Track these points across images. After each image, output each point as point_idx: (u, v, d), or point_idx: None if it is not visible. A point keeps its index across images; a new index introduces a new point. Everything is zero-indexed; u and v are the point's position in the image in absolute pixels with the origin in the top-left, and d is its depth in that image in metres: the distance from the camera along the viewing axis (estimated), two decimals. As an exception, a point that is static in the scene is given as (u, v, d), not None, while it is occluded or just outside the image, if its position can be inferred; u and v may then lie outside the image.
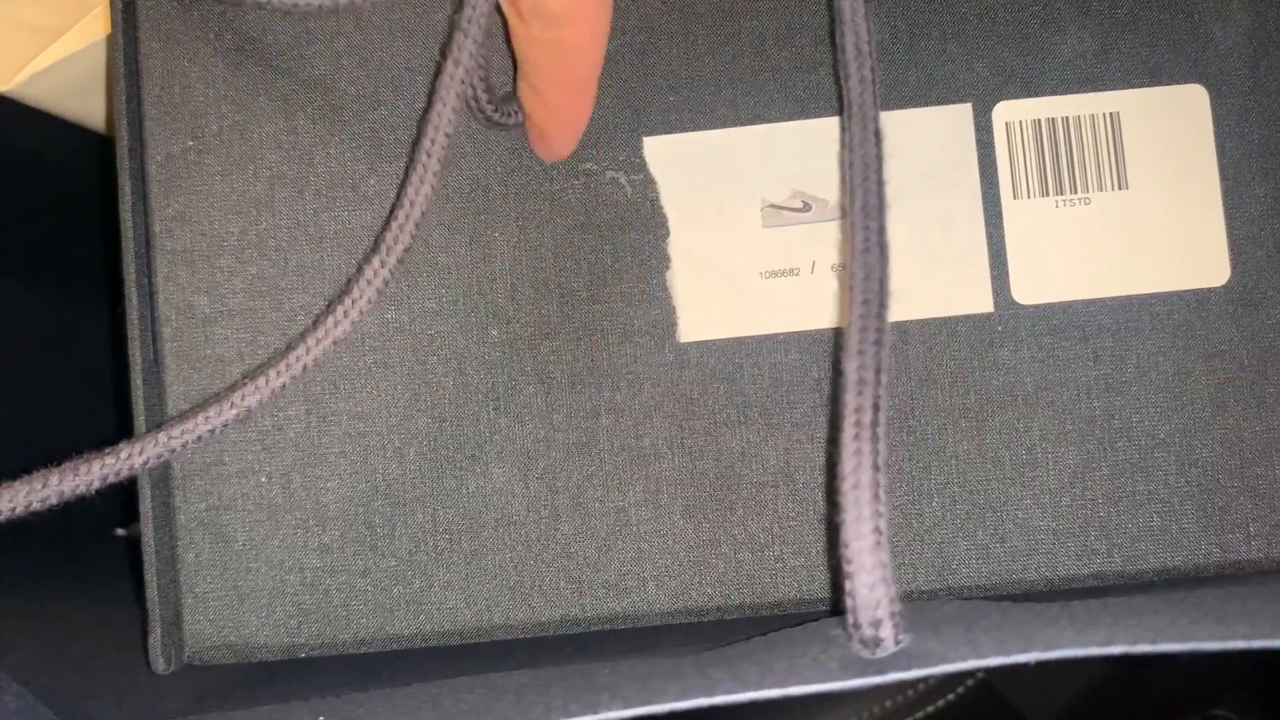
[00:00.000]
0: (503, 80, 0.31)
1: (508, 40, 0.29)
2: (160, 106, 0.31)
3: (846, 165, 0.26)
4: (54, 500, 0.26)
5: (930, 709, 0.45)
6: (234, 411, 0.27)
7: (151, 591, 0.30)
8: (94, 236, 0.42)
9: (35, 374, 0.41)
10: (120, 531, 0.45)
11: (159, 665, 0.30)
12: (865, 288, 0.24)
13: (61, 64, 0.35)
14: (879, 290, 0.24)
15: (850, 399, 0.23)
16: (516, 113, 0.30)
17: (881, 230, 0.25)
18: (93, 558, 0.42)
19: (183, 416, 0.28)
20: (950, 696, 0.45)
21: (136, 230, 0.31)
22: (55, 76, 0.35)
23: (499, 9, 0.28)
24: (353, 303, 0.28)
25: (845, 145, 0.26)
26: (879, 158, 0.26)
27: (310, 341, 0.28)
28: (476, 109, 0.30)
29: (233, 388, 0.28)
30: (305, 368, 0.28)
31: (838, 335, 0.30)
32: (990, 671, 0.46)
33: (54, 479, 0.26)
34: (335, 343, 0.28)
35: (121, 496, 0.36)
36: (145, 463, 0.27)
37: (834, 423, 0.28)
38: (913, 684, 0.44)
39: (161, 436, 0.27)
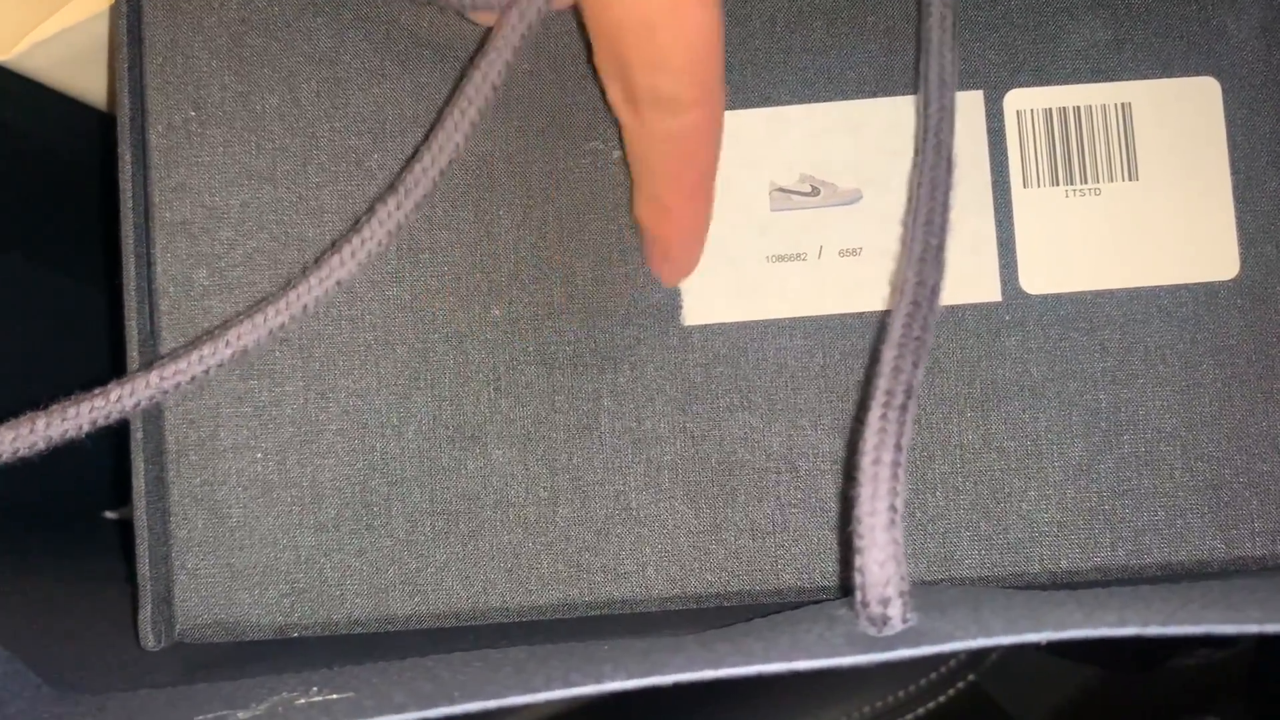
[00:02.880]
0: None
1: (623, 154, 0.29)
2: (162, 76, 0.31)
3: (915, 184, 0.28)
4: (41, 445, 0.25)
5: (921, 711, 0.44)
6: (229, 350, 0.26)
7: (143, 567, 0.30)
8: (92, 214, 0.42)
9: (32, 351, 0.40)
10: (110, 514, 0.44)
11: (149, 642, 0.30)
12: (917, 292, 0.25)
13: (63, 34, 0.35)
14: (930, 297, 0.26)
15: (884, 383, 0.23)
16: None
17: (941, 247, 0.26)
18: (85, 538, 0.41)
19: (175, 355, 0.27)
20: (941, 699, 0.45)
21: (136, 201, 0.30)
22: (57, 47, 0.35)
23: (609, 108, 0.27)
24: (361, 243, 0.27)
25: (917, 166, 0.28)
26: (949, 183, 0.27)
27: (312, 280, 0.27)
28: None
29: (227, 324, 0.27)
30: (305, 307, 0.27)
31: (881, 322, 0.30)
32: (981, 674, 0.45)
33: (41, 422, 0.25)
34: (339, 283, 0.27)
35: (115, 473, 0.36)
36: (136, 403, 0.26)
37: (863, 402, 0.28)
38: (903, 684, 0.44)
39: (153, 376, 0.26)
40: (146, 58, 0.31)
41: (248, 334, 0.27)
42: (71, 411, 0.26)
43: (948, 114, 0.28)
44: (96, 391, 0.26)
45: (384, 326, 0.30)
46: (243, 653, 0.31)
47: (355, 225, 0.27)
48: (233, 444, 0.30)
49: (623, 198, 0.31)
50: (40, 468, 0.28)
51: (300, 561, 0.30)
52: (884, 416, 0.23)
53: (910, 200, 0.28)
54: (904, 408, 0.23)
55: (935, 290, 0.26)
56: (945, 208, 0.27)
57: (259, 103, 0.31)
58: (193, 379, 0.27)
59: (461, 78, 0.27)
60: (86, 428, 0.26)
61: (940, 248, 0.27)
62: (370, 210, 0.27)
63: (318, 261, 0.27)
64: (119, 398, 0.26)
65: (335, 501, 0.30)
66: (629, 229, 0.30)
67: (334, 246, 0.27)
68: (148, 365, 0.27)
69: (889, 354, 0.24)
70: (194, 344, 0.27)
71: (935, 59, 0.28)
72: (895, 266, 0.30)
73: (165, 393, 0.27)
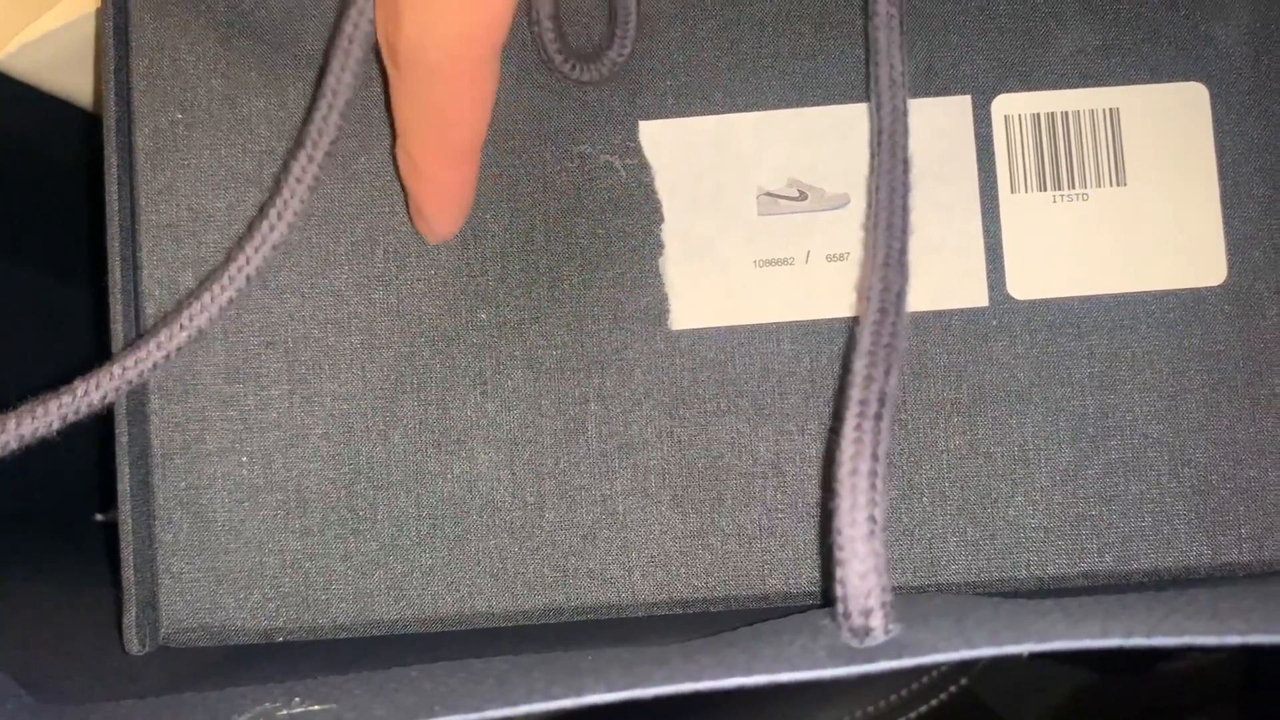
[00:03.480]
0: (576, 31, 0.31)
1: (386, 102, 0.29)
2: (149, 78, 0.31)
3: (874, 189, 0.27)
4: (14, 444, 0.25)
5: (912, 715, 0.44)
6: (184, 334, 0.27)
7: (128, 571, 0.30)
8: (78, 216, 0.42)
9: (17, 353, 0.40)
10: (99, 517, 0.44)
11: (133, 646, 0.29)
12: (883, 298, 0.25)
13: (51, 36, 0.34)
14: (896, 302, 0.25)
15: (856, 393, 0.23)
16: (592, 69, 0.30)
17: (903, 250, 0.26)
18: (68, 543, 0.41)
19: (134, 345, 0.27)
20: (933, 703, 0.45)
21: (122, 203, 0.30)
22: (44, 49, 0.35)
23: (377, 58, 0.27)
24: (285, 203, 0.27)
25: (874, 170, 0.28)
26: (906, 184, 0.27)
27: (249, 249, 0.27)
28: (544, 59, 0.29)
29: (179, 309, 0.27)
30: (249, 277, 0.27)
31: (850, 331, 0.30)
32: (973, 678, 0.45)
33: (11, 422, 0.25)
34: (274, 248, 0.27)
35: (101, 477, 0.35)
36: (103, 396, 0.26)
37: (837, 412, 0.28)
38: (894, 689, 0.44)
39: (115, 369, 0.26)
40: (133, 60, 0.31)
41: (200, 314, 0.27)
42: (40, 410, 0.26)
43: (900, 115, 0.28)
44: (62, 389, 0.26)
45: (370, 330, 0.30)
46: (227, 658, 0.31)
47: (275, 186, 0.28)
48: (218, 448, 0.30)
49: (611, 202, 0.30)
50: (24, 473, 0.27)
51: (285, 566, 0.30)
52: (859, 427, 0.23)
53: (870, 206, 0.28)
54: (878, 416, 0.23)
55: (901, 295, 0.26)
56: (905, 211, 0.27)
57: (246, 105, 0.31)
58: (155, 366, 0.27)
59: (336, 24, 0.27)
60: (57, 424, 0.26)
61: (903, 251, 0.26)
62: (285, 168, 0.27)
63: (250, 230, 0.28)
64: (85, 392, 0.26)
65: (320, 506, 0.30)
66: (615, 234, 0.30)
67: (261, 212, 0.27)
68: (110, 358, 0.27)
69: (859, 364, 0.24)
70: (151, 331, 0.27)
71: (884, 60, 0.28)
72: (859, 275, 0.30)
73: (130, 382, 0.27)
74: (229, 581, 0.30)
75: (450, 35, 0.25)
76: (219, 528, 0.30)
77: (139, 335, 0.30)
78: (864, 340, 0.25)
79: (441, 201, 0.29)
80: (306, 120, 0.27)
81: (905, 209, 0.27)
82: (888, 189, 0.27)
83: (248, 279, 0.27)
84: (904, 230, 0.26)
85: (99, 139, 0.31)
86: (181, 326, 0.27)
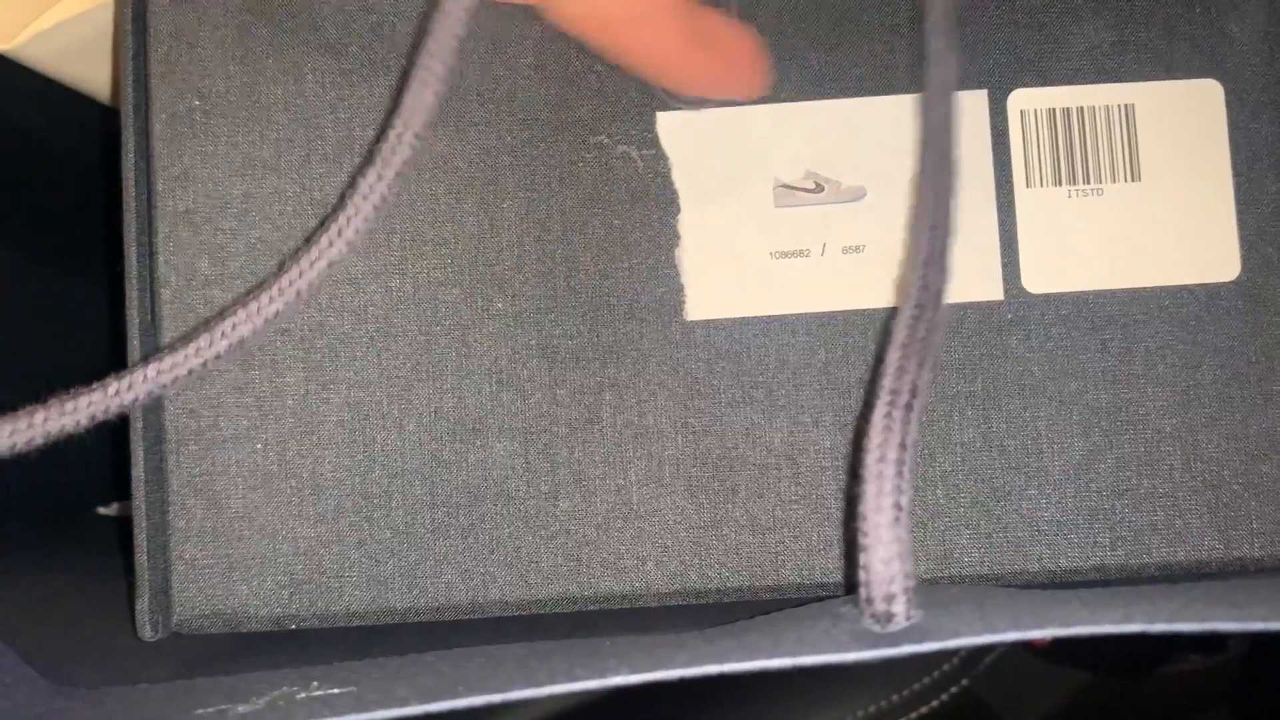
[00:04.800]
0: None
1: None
2: (167, 64, 0.31)
3: (920, 188, 0.28)
4: (40, 440, 0.25)
5: (914, 715, 0.44)
6: (225, 342, 0.26)
7: (141, 556, 0.29)
8: (92, 208, 0.42)
9: (31, 344, 0.40)
10: (104, 511, 0.44)
11: (146, 632, 0.29)
12: (922, 295, 0.26)
13: (66, 24, 0.34)
14: (934, 299, 0.26)
15: (888, 382, 0.23)
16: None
17: (945, 251, 0.26)
18: (82, 531, 0.41)
19: (172, 347, 0.26)
20: (934, 703, 0.45)
21: (139, 189, 0.30)
22: (59, 37, 0.35)
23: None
24: (348, 220, 0.26)
25: (921, 169, 0.28)
26: (952, 188, 0.27)
27: (304, 263, 0.26)
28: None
29: (222, 315, 0.27)
30: (299, 292, 0.26)
31: (887, 323, 0.30)
32: (974, 679, 0.45)
33: (39, 416, 0.25)
34: (330, 264, 0.26)
35: (114, 465, 0.35)
36: (135, 398, 0.26)
37: (868, 401, 0.28)
38: (896, 689, 0.44)
39: (150, 370, 0.26)
40: (151, 47, 0.31)
41: (243, 324, 0.26)
42: (70, 405, 0.25)
43: (950, 119, 0.28)
44: (95, 386, 0.26)
45: (386, 318, 0.30)
46: (240, 645, 0.31)
47: (340, 202, 0.27)
48: (233, 434, 0.30)
49: (628, 193, 0.31)
50: (38, 461, 0.27)
51: (299, 553, 0.30)
52: (889, 415, 0.23)
53: (915, 204, 0.28)
54: (909, 406, 0.23)
55: (940, 294, 0.26)
56: (949, 212, 0.27)
57: (264, 93, 0.31)
58: (190, 372, 0.27)
59: (420, 38, 0.27)
60: (85, 422, 0.26)
61: (945, 252, 0.27)
62: (352, 184, 0.27)
63: (308, 243, 0.27)
64: (117, 391, 0.26)
65: (335, 493, 0.30)
66: (632, 224, 0.30)
67: (322, 226, 0.27)
68: (145, 359, 0.27)
69: (893, 355, 0.24)
70: (190, 336, 0.27)
71: (937, 65, 0.28)
72: (900, 270, 0.30)
73: (164, 386, 0.26)
74: (242, 568, 0.30)
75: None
76: (233, 514, 0.30)
77: (154, 321, 0.30)
78: (900, 333, 0.25)
79: (717, 82, 0.29)
80: (380, 138, 0.27)
81: (950, 211, 0.27)
82: (933, 190, 0.27)
83: (298, 293, 0.26)
84: (947, 232, 0.27)
85: (115, 127, 0.31)
86: (223, 334, 0.26)
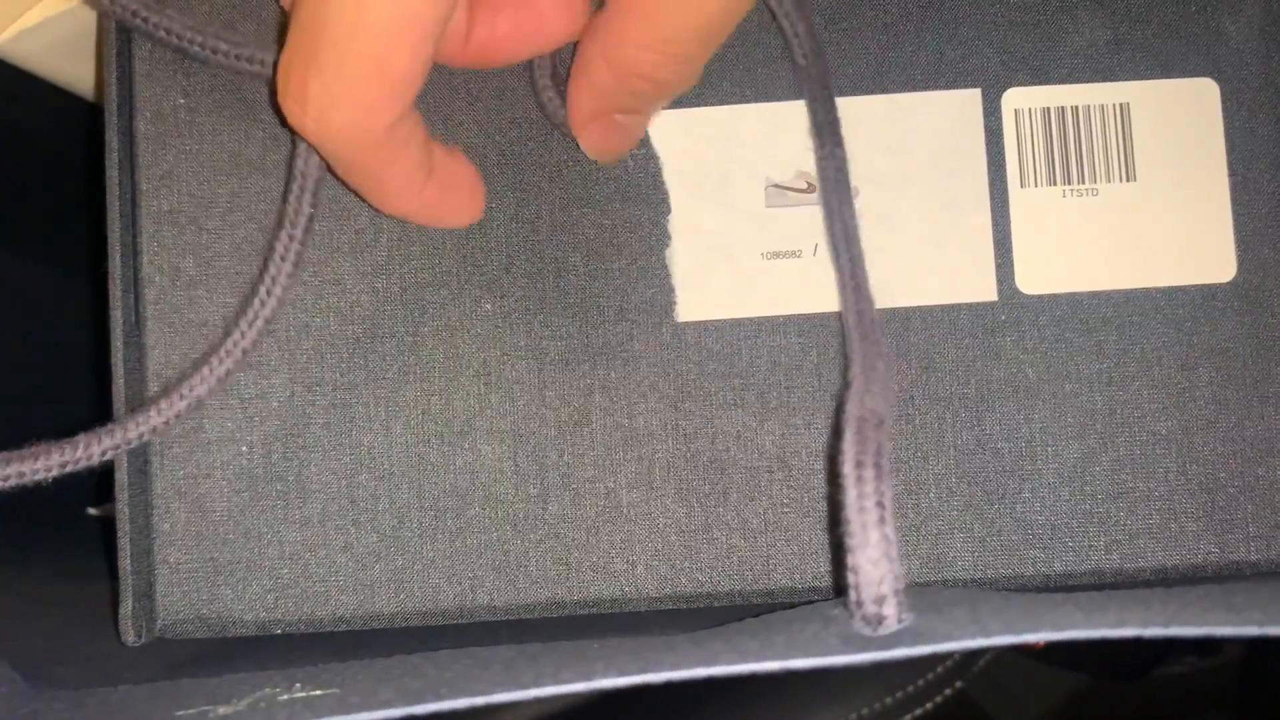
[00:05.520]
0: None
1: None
2: (152, 62, 0.30)
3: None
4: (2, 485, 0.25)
5: (908, 717, 0.44)
6: (184, 402, 0.28)
7: (125, 560, 0.29)
8: (77, 206, 0.41)
9: (12, 342, 0.40)
10: (93, 511, 0.44)
11: (129, 637, 0.29)
12: (856, 296, 0.27)
13: (51, 21, 0.34)
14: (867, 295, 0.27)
15: (853, 409, 0.23)
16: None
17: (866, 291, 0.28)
18: (66, 534, 0.41)
19: (137, 410, 0.28)
20: (928, 705, 0.45)
21: (123, 188, 0.30)
22: (44, 34, 0.34)
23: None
24: (273, 280, 0.28)
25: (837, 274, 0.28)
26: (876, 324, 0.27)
27: (243, 325, 0.28)
28: (552, 123, 0.30)
29: (180, 379, 0.28)
30: (244, 352, 0.28)
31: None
32: (969, 681, 0.45)
33: (9, 465, 0.26)
34: (266, 322, 0.28)
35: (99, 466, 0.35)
36: (104, 453, 0.27)
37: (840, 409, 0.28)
38: (890, 691, 0.44)
39: (117, 430, 0.27)
40: (135, 43, 0.30)
41: (199, 384, 0.28)
42: (42, 457, 0.26)
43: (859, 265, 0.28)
44: (65, 441, 0.27)
45: (373, 319, 0.30)
46: (225, 650, 0.31)
47: (263, 265, 0.28)
48: (218, 436, 0.30)
49: (618, 192, 0.30)
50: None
51: (285, 557, 0.30)
52: (860, 432, 0.22)
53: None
54: (879, 425, 0.23)
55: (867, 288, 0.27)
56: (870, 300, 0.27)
57: (250, 92, 0.30)
58: (154, 429, 0.28)
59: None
60: (55, 473, 0.26)
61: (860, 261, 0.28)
62: (270, 248, 0.28)
63: (242, 307, 0.28)
64: (86, 446, 0.27)
65: (321, 496, 0.30)
66: (622, 224, 0.30)
67: (252, 290, 0.28)
68: (100, 425, 0.28)
69: (855, 384, 0.25)
70: (153, 398, 0.28)
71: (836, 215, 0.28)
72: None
73: (129, 442, 0.27)
74: (227, 572, 0.30)
75: (342, 130, 0.24)
76: (217, 518, 0.30)
77: (138, 321, 0.30)
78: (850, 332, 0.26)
79: (435, 213, 0.29)
80: (285, 197, 0.28)
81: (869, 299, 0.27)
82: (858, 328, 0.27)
83: (244, 353, 0.28)
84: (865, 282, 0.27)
85: (100, 124, 0.30)
86: (181, 395, 0.28)
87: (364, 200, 0.28)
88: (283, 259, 0.28)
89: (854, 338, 0.26)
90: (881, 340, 0.26)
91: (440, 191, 0.28)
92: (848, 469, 0.22)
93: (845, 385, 0.26)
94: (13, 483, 0.26)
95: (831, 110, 0.29)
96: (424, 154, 0.26)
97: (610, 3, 0.25)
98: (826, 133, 0.28)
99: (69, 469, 0.26)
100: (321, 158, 0.27)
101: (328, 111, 0.23)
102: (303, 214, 0.28)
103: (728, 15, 0.25)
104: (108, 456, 0.27)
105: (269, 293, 0.28)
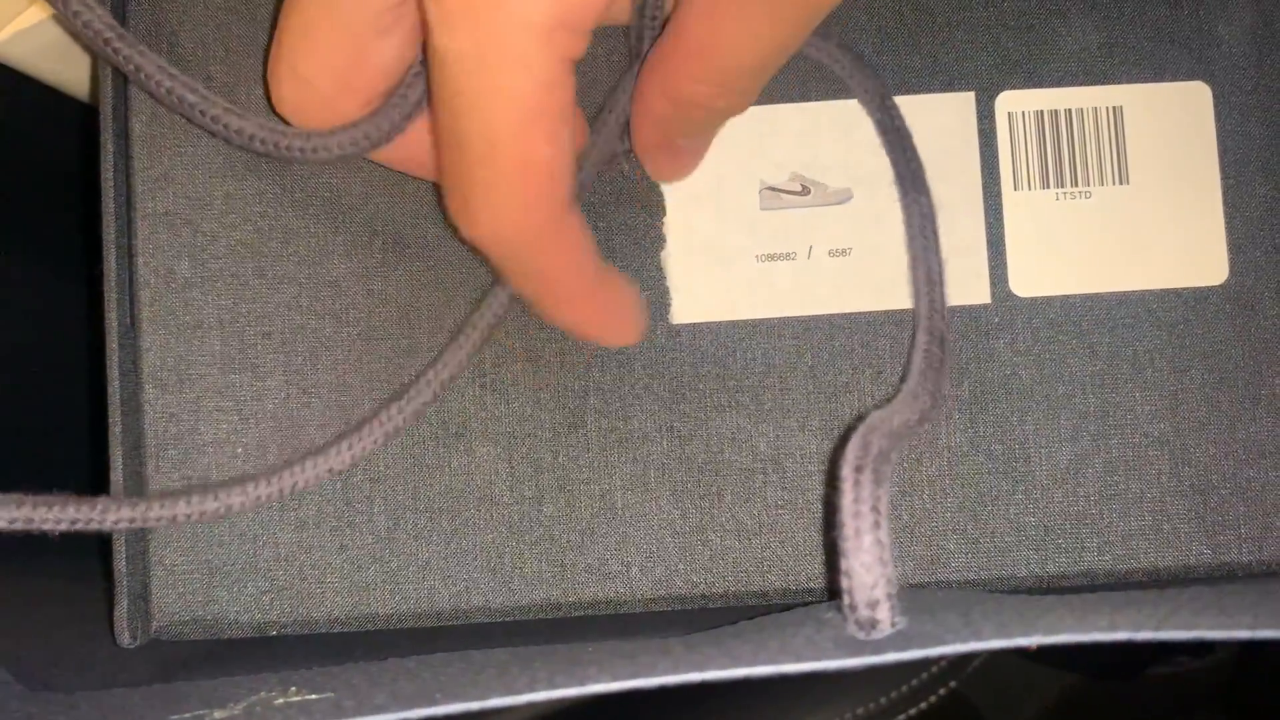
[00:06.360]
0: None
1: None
2: (147, 65, 0.30)
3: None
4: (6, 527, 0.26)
5: (902, 717, 0.44)
6: (216, 504, 0.28)
7: (119, 562, 0.29)
8: (71, 209, 0.41)
9: (7, 349, 0.40)
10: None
11: (124, 638, 0.29)
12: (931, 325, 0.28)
13: (46, 22, 0.34)
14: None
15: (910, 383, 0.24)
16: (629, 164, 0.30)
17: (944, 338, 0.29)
18: (60, 536, 0.41)
19: (166, 498, 0.28)
20: (922, 705, 0.45)
21: (118, 190, 0.30)
22: (39, 35, 0.34)
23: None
24: (358, 439, 0.29)
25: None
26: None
27: (307, 464, 0.29)
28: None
29: (202, 490, 0.28)
30: (295, 485, 0.28)
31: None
32: (963, 681, 0.45)
33: (26, 506, 0.26)
34: (330, 471, 0.29)
35: (93, 467, 0.35)
36: (115, 523, 0.27)
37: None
38: (884, 691, 0.44)
39: (128, 510, 0.27)
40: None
41: (236, 498, 0.28)
42: (53, 509, 0.26)
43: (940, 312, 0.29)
44: (84, 501, 0.27)
45: (368, 321, 0.30)
46: (219, 652, 0.31)
47: (357, 426, 0.29)
48: (213, 439, 0.30)
49: (613, 195, 0.30)
50: (15, 463, 0.27)
51: (280, 558, 0.30)
52: (866, 420, 0.23)
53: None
54: (887, 438, 0.23)
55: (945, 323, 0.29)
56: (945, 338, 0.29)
57: (245, 93, 0.30)
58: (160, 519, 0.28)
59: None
60: (64, 527, 0.27)
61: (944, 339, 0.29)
62: (373, 412, 0.29)
63: (320, 450, 0.29)
64: (102, 510, 0.27)
65: (316, 498, 0.30)
66: (617, 227, 0.30)
67: (333, 440, 0.29)
68: (130, 499, 0.28)
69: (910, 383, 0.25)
70: (181, 493, 0.28)
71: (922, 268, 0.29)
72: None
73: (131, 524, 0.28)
74: (222, 574, 0.30)
75: (511, 220, 0.25)
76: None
77: (133, 323, 0.30)
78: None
79: (601, 323, 0.29)
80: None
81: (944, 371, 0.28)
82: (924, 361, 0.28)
83: (294, 486, 0.28)
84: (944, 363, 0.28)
85: (95, 126, 0.30)
86: (215, 497, 0.28)
87: (539, 312, 0.28)
88: (380, 426, 0.29)
89: (914, 372, 0.27)
90: (942, 386, 0.27)
91: (607, 302, 0.29)
92: (846, 472, 0.22)
93: (881, 404, 0.26)
94: (18, 526, 0.26)
95: (915, 159, 0.29)
96: (590, 257, 0.27)
97: (667, 38, 0.26)
98: (910, 182, 0.29)
99: (77, 527, 0.27)
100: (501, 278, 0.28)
101: (491, 219, 0.24)
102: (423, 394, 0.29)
103: (780, 53, 0.25)
104: (121, 526, 0.27)
105: (349, 448, 0.29)
